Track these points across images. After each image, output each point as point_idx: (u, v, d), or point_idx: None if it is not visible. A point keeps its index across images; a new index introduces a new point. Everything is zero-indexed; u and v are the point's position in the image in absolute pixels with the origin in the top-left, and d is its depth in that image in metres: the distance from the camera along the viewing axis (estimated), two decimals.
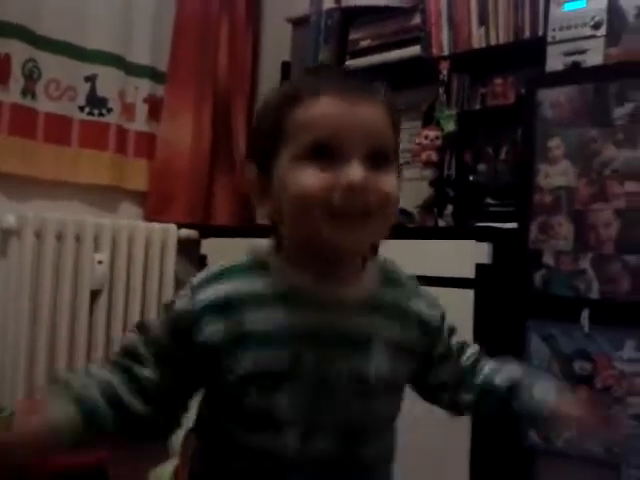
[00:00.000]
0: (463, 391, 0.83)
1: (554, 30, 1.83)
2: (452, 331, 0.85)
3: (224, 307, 0.69)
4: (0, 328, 2.10)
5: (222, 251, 2.32)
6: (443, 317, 0.84)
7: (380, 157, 0.68)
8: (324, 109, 0.67)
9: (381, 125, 0.69)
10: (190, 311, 0.69)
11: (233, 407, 0.70)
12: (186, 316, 0.69)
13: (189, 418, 1.72)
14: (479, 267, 1.66)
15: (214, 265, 0.74)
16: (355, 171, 0.65)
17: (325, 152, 0.67)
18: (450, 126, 2.05)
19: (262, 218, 2.40)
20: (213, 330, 0.68)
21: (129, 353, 0.72)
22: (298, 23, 2.57)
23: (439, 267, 1.70)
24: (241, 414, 0.69)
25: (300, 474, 0.69)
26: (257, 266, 0.72)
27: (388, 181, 0.68)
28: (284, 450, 0.68)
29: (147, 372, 0.70)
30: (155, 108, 2.59)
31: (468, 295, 1.65)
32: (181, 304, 0.70)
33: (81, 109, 2.41)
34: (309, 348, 0.69)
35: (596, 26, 1.76)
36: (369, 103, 0.68)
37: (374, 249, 0.76)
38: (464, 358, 0.84)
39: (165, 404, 0.72)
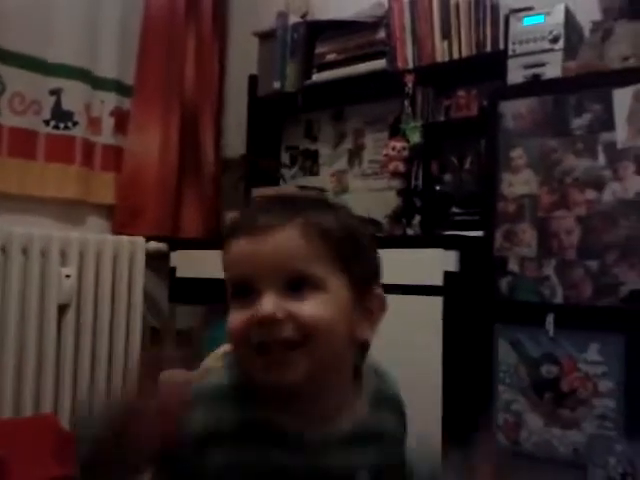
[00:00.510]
0: None
1: (514, 44, 1.89)
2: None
3: (207, 438, 0.67)
4: None
5: (191, 263, 2.32)
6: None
7: (300, 282, 0.66)
8: (235, 251, 0.68)
9: (291, 250, 0.66)
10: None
11: None
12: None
13: None
14: (447, 275, 1.70)
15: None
16: (263, 305, 0.65)
17: (244, 291, 0.67)
18: (416, 137, 2.10)
19: None
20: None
21: None
22: (265, 37, 2.60)
23: (408, 275, 1.73)
24: None
25: None
26: (234, 395, 0.69)
27: (307, 306, 0.65)
28: None
29: None
30: (122, 121, 2.58)
31: (437, 302, 1.69)
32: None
33: (46, 123, 2.39)
34: None
35: (554, 40, 1.83)
36: (277, 231, 0.66)
37: (359, 362, 0.73)
38: None
39: None
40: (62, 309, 2.24)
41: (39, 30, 2.35)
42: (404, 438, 0.76)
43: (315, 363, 0.65)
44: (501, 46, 2.00)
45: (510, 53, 1.89)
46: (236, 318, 0.67)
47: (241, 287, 0.68)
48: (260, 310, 0.65)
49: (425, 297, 1.70)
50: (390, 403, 0.76)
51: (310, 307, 0.65)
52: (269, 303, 0.65)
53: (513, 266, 1.69)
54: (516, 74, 1.86)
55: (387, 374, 0.78)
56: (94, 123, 2.51)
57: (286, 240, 0.66)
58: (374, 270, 0.74)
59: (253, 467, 0.66)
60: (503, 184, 1.74)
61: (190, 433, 0.67)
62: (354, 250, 0.70)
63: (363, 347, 0.73)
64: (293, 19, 2.53)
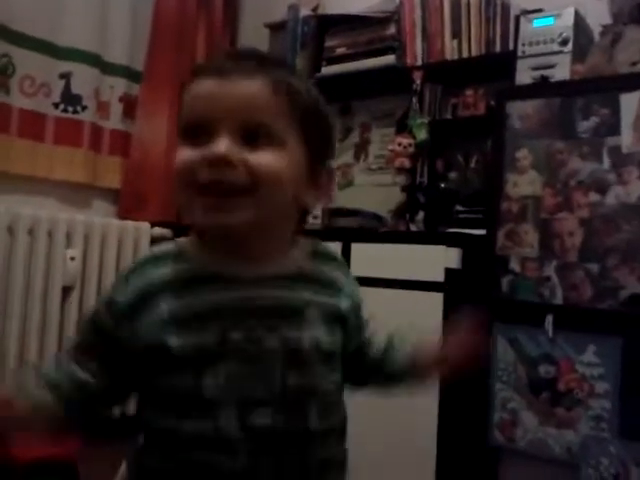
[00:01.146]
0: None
1: (524, 45, 1.90)
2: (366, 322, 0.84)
3: (142, 302, 0.68)
4: None
5: None
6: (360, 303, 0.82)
7: (258, 133, 0.66)
8: (197, 89, 0.68)
9: (258, 100, 0.66)
10: (111, 322, 0.70)
11: (165, 397, 0.69)
12: (110, 326, 0.70)
13: None
14: (448, 271, 1.72)
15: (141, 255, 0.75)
16: (218, 145, 0.64)
17: (198, 131, 0.66)
18: (422, 134, 2.11)
19: None
20: (135, 329, 0.68)
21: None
22: (275, 28, 2.60)
23: (410, 271, 1.75)
24: (174, 403, 0.68)
25: (246, 454, 0.67)
26: (175, 254, 0.71)
27: (262, 156, 0.66)
28: (223, 432, 0.66)
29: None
30: (130, 107, 2.59)
31: (438, 298, 1.71)
32: (102, 318, 0.72)
33: (55, 106, 2.40)
34: (234, 326, 0.67)
35: (563, 42, 1.84)
36: (246, 78, 0.66)
37: (298, 227, 0.75)
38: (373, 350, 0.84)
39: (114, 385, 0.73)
40: (66, 291, 2.26)
41: (51, 13, 2.36)
42: (346, 286, 0.78)
43: (256, 213, 0.66)
44: (510, 46, 2.00)
45: (519, 54, 1.89)
46: (185, 155, 0.66)
47: (196, 127, 0.67)
48: (214, 149, 0.64)
49: (426, 293, 1.72)
50: (326, 256, 0.78)
51: (264, 157, 0.66)
52: (224, 144, 0.64)
53: (514, 265, 1.71)
54: (524, 75, 1.87)
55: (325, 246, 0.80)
56: (103, 108, 2.52)
57: (255, 89, 0.66)
58: (329, 145, 0.76)
59: (192, 307, 0.67)
60: (508, 184, 1.75)
61: (128, 296, 0.69)
62: (316, 119, 0.72)
63: (304, 215, 0.76)
64: (304, 12, 2.54)
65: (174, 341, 0.66)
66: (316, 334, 0.71)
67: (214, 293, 0.68)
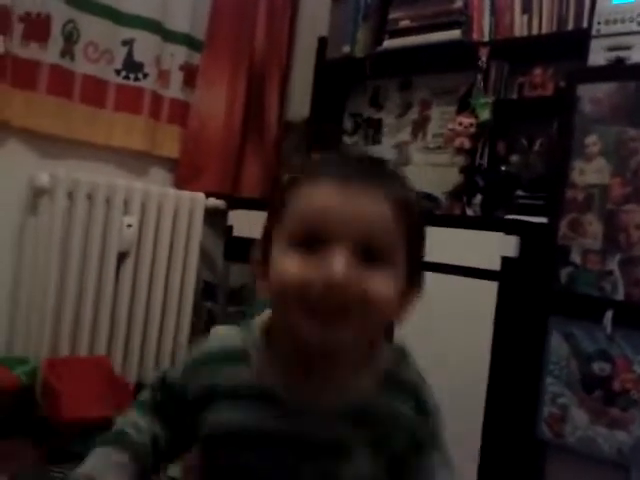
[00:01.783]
0: None
1: (599, 23, 1.80)
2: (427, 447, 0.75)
3: (206, 397, 0.70)
4: (29, 284, 2.16)
5: (248, 223, 2.34)
6: (429, 433, 0.74)
7: (374, 252, 0.63)
8: (316, 196, 0.64)
9: (379, 219, 0.63)
10: (180, 397, 0.73)
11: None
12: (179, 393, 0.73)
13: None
14: (505, 260, 1.66)
15: (208, 340, 0.74)
16: (337, 265, 0.60)
17: (310, 239, 0.62)
18: (485, 114, 2.04)
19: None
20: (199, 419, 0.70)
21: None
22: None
23: (464, 257, 1.71)
24: None
25: None
26: (241, 353, 0.70)
27: (377, 281, 0.62)
28: None
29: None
30: (190, 76, 2.59)
31: (492, 287, 1.66)
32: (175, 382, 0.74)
33: (117, 73, 2.42)
34: (276, 448, 0.67)
35: None
36: (371, 196, 0.63)
37: (372, 345, 0.70)
38: None
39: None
40: (121, 257, 2.31)
41: None
42: (414, 424, 0.71)
43: (357, 333, 0.63)
44: (584, 24, 1.90)
45: (594, 33, 1.79)
46: (296, 267, 0.62)
47: (309, 236, 0.62)
48: (333, 270, 0.60)
49: (480, 281, 1.67)
50: (403, 386, 0.72)
51: (379, 282, 0.62)
52: (342, 265, 0.60)
53: (575, 257, 1.64)
54: (598, 56, 1.77)
55: (408, 356, 0.75)
56: (163, 76, 2.53)
57: (380, 210, 0.63)
58: (423, 256, 0.73)
59: (241, 427, 0.67)
60: (574, 171, 1.68)
61: (193, 392, 0.71)
62: (420, 233, 0.69)
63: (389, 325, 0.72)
64: None
65: (218, 456, 0.68)
66: (362, 468, 0.68)
67: (265, 414, 0.67)
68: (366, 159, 0.71)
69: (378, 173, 0.67)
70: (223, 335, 0.74)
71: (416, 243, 0.68)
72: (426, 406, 0.72)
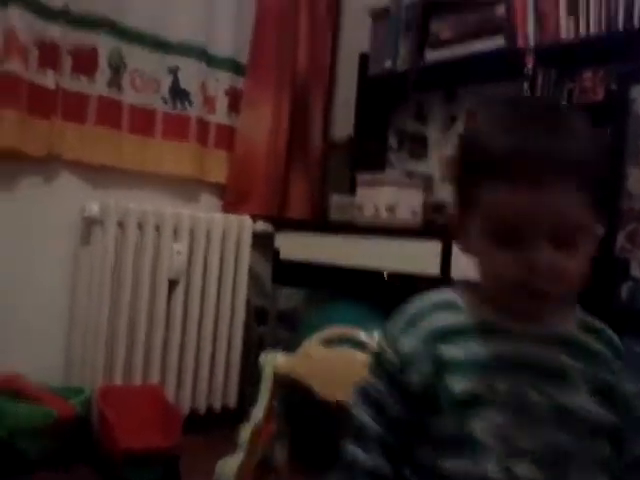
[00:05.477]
0: None
1: None
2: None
3: (426, 348, 0.73)
4: (83, 312, 2.21)
5: (295, 245, 2.33)
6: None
7: (567, 239, 0.68)
8: (510, 198, 0.68)
9: (575, 210, 0.68)
10: (397, 364, 0.75)
11: (433, 438, 0.73)
12: (395, 368, 0.75)
13: (257, 413, 1.73)
14: None
15: (407, 305, 0.79)
16: (543, 255, 0.67)
17: (510, 235, 0.69)
18: None
19: (336, 214, 2.38)
20: (419, 373, 0.73)
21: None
22: (378, 14, 2.52)
23: None
24: (440, 442, 0.72)
25: None
26: (449, 304, 0.77)
27: (574, 264, 0.69)
28: (488, 476, 0.70)
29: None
30: (235, 100, 2.62)
31: None
32: (389, 358, 0.76)
33: (164, 101, 2.46)
34: (502, 377, 0.71)
35: None
36: (564, 190, 0.67)
37: (571, 295, 0.76)
38: None
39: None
40: (172, 284, 2.33)
41: (158, 8, 2.40)
42: (613, 365, 0.77)
43: (560, 300, 0.72)
44: (635, 24, 1.81)
45: None
46: (506, 266, 0.69)
47: (509, 232, 0.68)
48: (540, 260, 0.67)
49: None
50: (600, 333, 0.78)
51: (575, 263, 0.69)
52: (548, 255, 0.67)
53: (636, 271, 1.55)
54: None
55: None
56: (209, 102, 2.56)
57: (571, 196, 0.67)
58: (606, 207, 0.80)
59: (473, 356, 0.72)
60: (630, 179, 1.59)
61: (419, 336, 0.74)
62: (604, 193, 0.73)
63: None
64: None
65: (456, 385, 0.71)
66: (586, 405, 0.72)
67: (489, 344, 0.73)
68: (561, 147, 0.68)
69: (571, 161, 0.68)
70: (428, 295, 0.79)
71: (600, 207, 0.71)
72: (619, 350, 0.78)
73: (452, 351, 0.72)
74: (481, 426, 0.70)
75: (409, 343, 0.74)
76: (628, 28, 1.84)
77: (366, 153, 2.52)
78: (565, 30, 2.00)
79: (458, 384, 0.71)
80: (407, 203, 2.07)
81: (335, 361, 1.79)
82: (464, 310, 0.75)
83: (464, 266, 1.75)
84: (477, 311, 0.75)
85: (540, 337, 0.74)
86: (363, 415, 0.75)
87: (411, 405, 0.74)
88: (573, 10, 1.99)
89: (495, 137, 0.70)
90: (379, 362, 0.77)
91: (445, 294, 0.78)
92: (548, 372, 0.72)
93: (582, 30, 1.96)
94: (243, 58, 2.63)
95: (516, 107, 0.76)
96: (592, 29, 1.94)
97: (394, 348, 0.75)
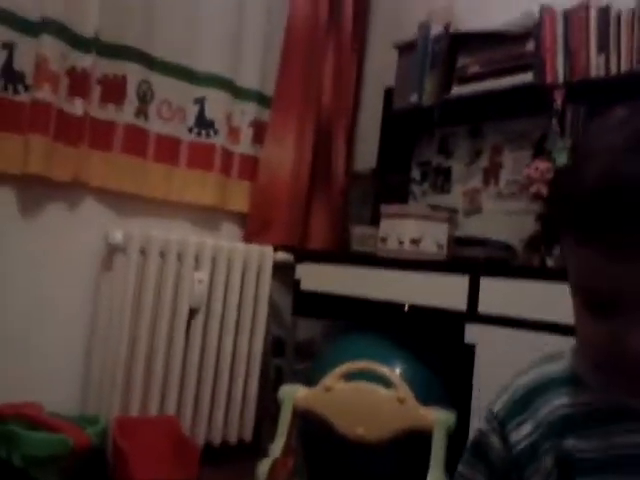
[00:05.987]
0: None
1: None
2: None
3: (541, 437, 0.61)
4: (101, 340, 2.19)
5: (315, 276, 2.31)
6: None
7: None
8: (591, 261, 0.54)
9: None
10: (505, 458, 0.63)
11: None
12: (503, 462, 0.63)
13: (276, 447, 1.69)
14: None
15: (516, 377, 0.66)
16: (634, 344, 0.53)
17: (599, 303, 0.56)
18: (563, 159, 1.94)
19: (358, 245, 2.37)
20: (539, 472, 0.61)
21: None
22: (404, 48, 2.53)
23: (547, 311, 1.59)
24: None
25: None
26: (569, 377, 0.63)
27: None
28: None
29: None
30: (260, 132, 2.63)
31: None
32: (494, 445, 0.64)
33: (190, 130, 2.48)
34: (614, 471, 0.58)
35: None
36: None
37: None
38: None
39: None
40: (192, 312, 2.31)
41: (187, 40, 2.44)
42: None
43: None
44: None
45: None
46: (590, 334, 0.57)
47: (593, 299, 0.56)
48: (630, 348, 0.53)
49: (565, 337, 1.55)
50: None
51: None
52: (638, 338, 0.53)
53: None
54: None
55: None
56: (234, 132, 2.57)
57: None
58: None
59: (603, 450, 0.58)
60: None
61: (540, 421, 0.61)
62: None
63: None
64: (435, 30, 2.44)
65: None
66: None
67: (624, 434, 0.59)
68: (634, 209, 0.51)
69: None
70: (541, 366, 0.66)
71: None
72: None
73: (582, 444, 0.59)
74: None
75: (525, 431, 0.61)
76: None
77: (389, 186, 2.50)
78: (595, 67, 1.99)
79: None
80: (432, 236, 2.05)
81: (356, 395, 1.76)
82: (587, 387, 0.61)
83: (492, 302, 1.71)
84: (603, 389, 0.60)
85: None
86: None
87: None
88: (604, 47, 1.98)
89: (583, 173, 0.54)
90: (478, 451, 0.64)
91: (561, 363, 0.64)
92: None
93: (613, 67, 1.95)
94: (269, 90, 2.65)
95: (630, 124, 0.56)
96: (623, 66, 1.93)
97: (501, 435, 0.62)
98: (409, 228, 2.07)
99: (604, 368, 0.58)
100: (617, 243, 0.51)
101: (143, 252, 2.23)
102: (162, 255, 2.26)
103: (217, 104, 2.50)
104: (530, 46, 2.15)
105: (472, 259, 1.99)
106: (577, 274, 0.57)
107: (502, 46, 2.23)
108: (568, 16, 2.08)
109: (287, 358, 2.41)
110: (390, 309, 1.99)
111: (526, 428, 0.61)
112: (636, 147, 0.53)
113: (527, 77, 2.14)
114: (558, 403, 0.61)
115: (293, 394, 1.83)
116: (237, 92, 2.56)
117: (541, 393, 0.62)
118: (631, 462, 0.57)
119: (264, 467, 1.68)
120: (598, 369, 0.59)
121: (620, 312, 0.54)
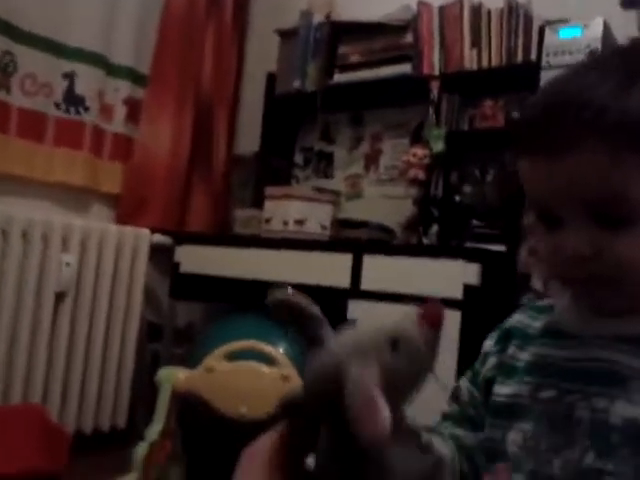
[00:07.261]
0: None
1: (548, 55, 1.83)
2: None
3: (500, 343, 0.67)
4: None
5: (196, 259, 2.25)
6: None
7: (609, 210, 0.53)
8: (529, 172, 0.56)
9: (598, 175, 0.52)
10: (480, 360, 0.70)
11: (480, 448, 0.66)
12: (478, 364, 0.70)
13: (153, 431, 1.62)
14: (467, 288, 1.62)
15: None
16: (566, 240, 0.55)
17: (545, 214, 0.57)
18: (439, 146, 2.03)
19: (241, 228, 2.35)
20: (489, 365, 0.67)
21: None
22: (286, 35, 2.54)
23: (425, 286, 1.66)
24: (485, 454, 0.64)
25: None
26: (539, 308, 0.67)
27: (625, 243, 0.53)
28: None
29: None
30: (134, 110, 2.51)
31: (455, 316, 1.61)
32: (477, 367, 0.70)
33: (57, 106, 2.32)
34: (548, 385, 0.60)
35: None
36: (574, 152, 0.53)
37: None
38: None
39: None
40: (59, 297, 2.16)
41: (57, 12, 2.29)
42: None
43: (628, 302, 0.57)
44: (532, 57, 1.94)
45: (544, 65, 1.82)
46: (541, 247, 0.59)
47: (541, 211, 0.57)
48: (563, 246, 0.55)
49: None
50: None
51: (625, 243, 0.53)
52: (572, 238, 0.54)
53: (536, 284, 1.61)
54: None
55: None
56: (106, 110, 2.44)
57: (591, 162, 0.52)
58: None
59: (532, 362, 0.62)
60: None
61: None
62: None
63: None
64: (317, 18, 2.47)
65: (497, 388, 0.64)
66: (635, 411, 0.56)
67: (546, 348, 0.63)
68: (575, 102, 0.52)
69: (584, 116, 0.52)
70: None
71: None
72: None
73: (514, 355, 0.65)
74: (513, 439, 0.60)
75: (489, 341, 0.69)
76: (526, 61, 1.97)
77: (272, 169, 2.49)
78: (468, 60, 2.11)
79: (500, 389, 0.64)
80: (316, 217, 2.07)
81: (238, 375, 1.73)
82: (553, 312, 0.65)
83: (374, 279, 1.75)
84: (555, 311, 0.65)
85: (610, 337, 0.59)
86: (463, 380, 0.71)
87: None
88: (476, 42, 2.10)
89: (533, 99, 0.58)
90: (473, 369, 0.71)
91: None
92: (603, 378, 0.58)
93: (484, 61, 2.07)
94: (144, 69, 2.54)
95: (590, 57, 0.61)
96: (493, 60, 2.06)
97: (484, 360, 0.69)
98: (294, 209, 2.08)
99: (564, 283, 0.60)
100: (553, 148, 0.53)
101: (3, 233, 2.05)
102: (25, 236, 2.09)
103: (88, 80, 2.37)
104: (408, 38, 2.24)
105: (355, 239, 2.03)
106: (527, 188, 0.58)
107: (382, 37, 2.30)
108: (443, 12, 2.19)
109: (164, 342, 2.32)
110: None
111: (491, 338, 0.68)
112: (591, 66, 0.57)
113: (405, 68, 2.23)
114: (515, 319, 0.67)
115: (172, 377, 1.76)
116: (110, 69, 2.43)
117: (517, 314, 0.68)
118: (557, 371, 0.60)
119: (141, 451, 1.60)
120: (560, 285, 0.61)
121: (555, 217, 0.56)
